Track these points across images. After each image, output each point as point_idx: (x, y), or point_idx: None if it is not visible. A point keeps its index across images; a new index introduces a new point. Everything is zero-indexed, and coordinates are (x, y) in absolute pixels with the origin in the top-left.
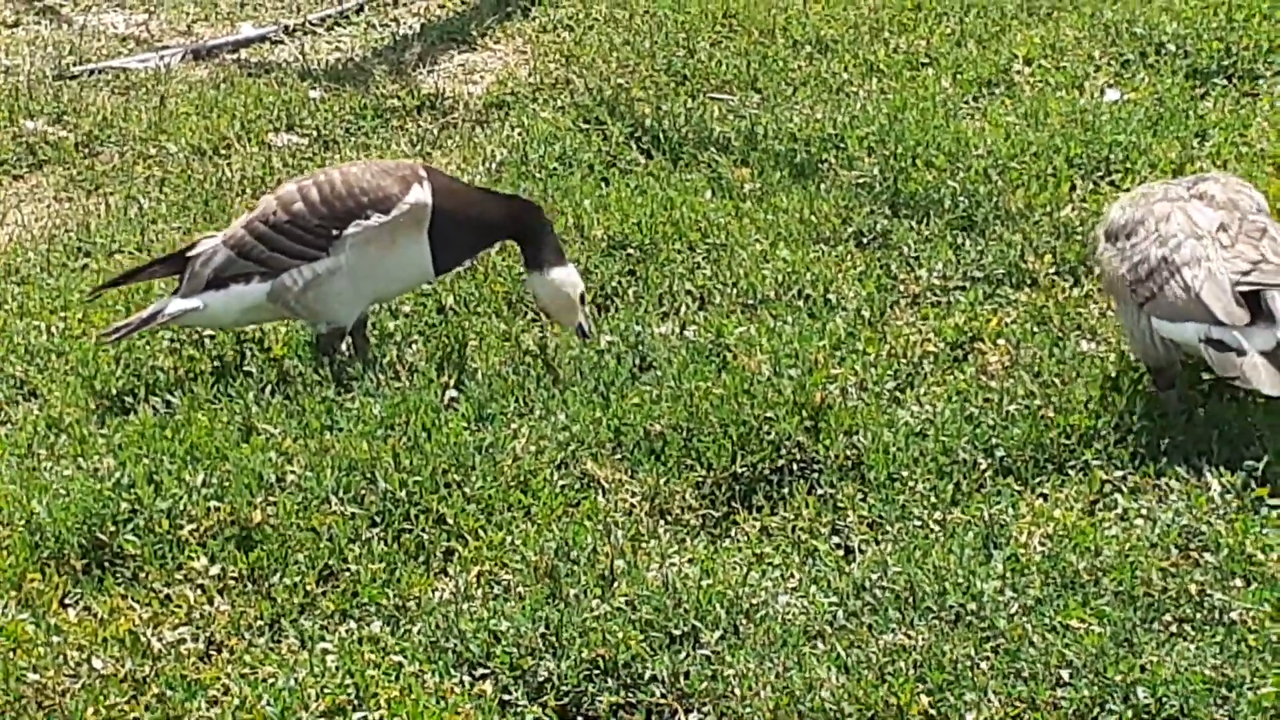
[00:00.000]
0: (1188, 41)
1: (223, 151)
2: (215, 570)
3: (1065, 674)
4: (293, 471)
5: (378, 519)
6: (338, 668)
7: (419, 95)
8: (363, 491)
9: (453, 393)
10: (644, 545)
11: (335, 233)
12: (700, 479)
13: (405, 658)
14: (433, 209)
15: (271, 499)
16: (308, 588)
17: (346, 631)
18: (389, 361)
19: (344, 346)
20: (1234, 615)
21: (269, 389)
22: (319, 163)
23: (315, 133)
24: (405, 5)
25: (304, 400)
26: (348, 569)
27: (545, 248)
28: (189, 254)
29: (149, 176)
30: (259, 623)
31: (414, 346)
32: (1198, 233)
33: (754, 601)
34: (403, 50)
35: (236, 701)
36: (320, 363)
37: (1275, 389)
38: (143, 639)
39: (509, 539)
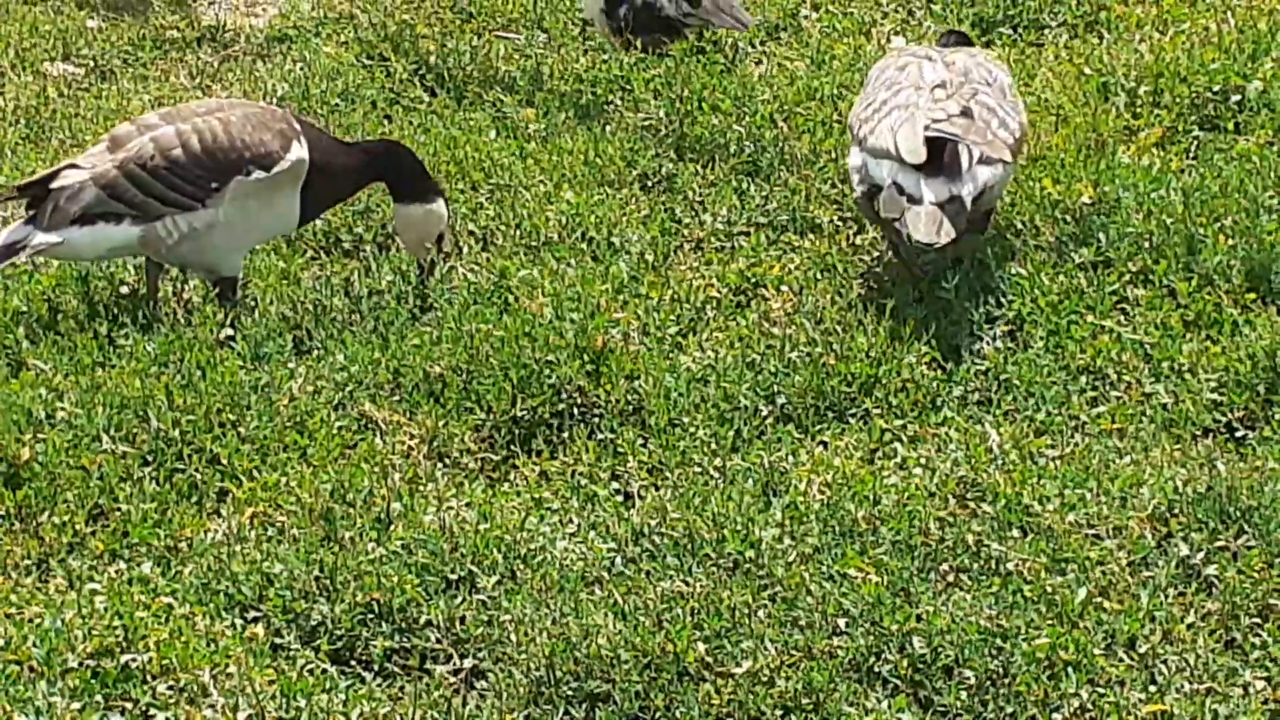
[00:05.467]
0: None
1: None
2: None
3: (842, 623)
4: (63, 409)
5: (150, 458)
6: (106, 609)
7: (199, 27)
8: (135, 430)
9: (228, 331)
10: (421, 488)
11: (215, 186)
12: (480, 422)
13: (176, 599)
14: (310, 164)
15: (41, 436)
16: (77, 527)
17: (116, 572)
18: (165, 298)
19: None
20: (1010, 566)
21: (39, 324)
22: (95, 93)
23: (92, 63)
24: None
25: (75, 336)
26: (118, 508)
27: (409, 181)
28: (52, 185)
29: None
30: (25, 562)
31: (191, 283)
32: (919, 85)
33: (531, 547)
34: None
35: (1, 642)
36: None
37: (928, 238)
38: None
39: (284, 480)
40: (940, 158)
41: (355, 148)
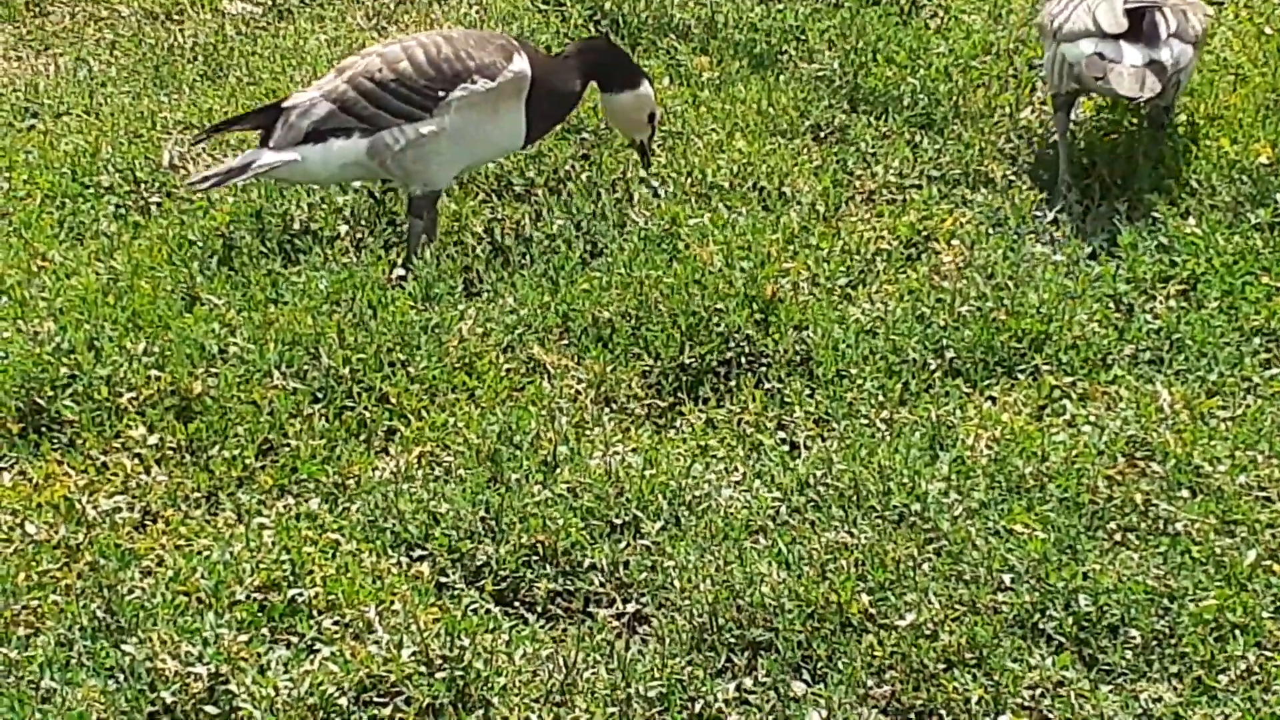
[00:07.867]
0: None
1: (175, 16)
2: (153, 440)
3: (1007, 578)
4: (235, 343)
5: (320, 395)
6: (274, 543)
7: None
8: (305, 367)
9: (399, 271)
10: (588, 432)
11: (441, 95)
12: (647, 368)
13: (343, 536)
14: (531, 79)
15: (213, 370)
16: (246, 461)
17: (284, 507)
18: (334, 237)
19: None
20: (1179, 526)
21: (214, 259)
22: (273, 32)
23: (270, 2)
24: None
25: (249, 272)
26: (287, 444)
27: (616, 72)
28: (283, 105)
29: (99, 39)
30: (196, 494)
31: (363, 222)
32: None
33: (697, 494)
34: None
35: (170, 573)
36: (414, 230)
37: (1132, 91)
38: (78, 506)
39: (451, 421)
40: (1139, 29)
41: (567, 59)
